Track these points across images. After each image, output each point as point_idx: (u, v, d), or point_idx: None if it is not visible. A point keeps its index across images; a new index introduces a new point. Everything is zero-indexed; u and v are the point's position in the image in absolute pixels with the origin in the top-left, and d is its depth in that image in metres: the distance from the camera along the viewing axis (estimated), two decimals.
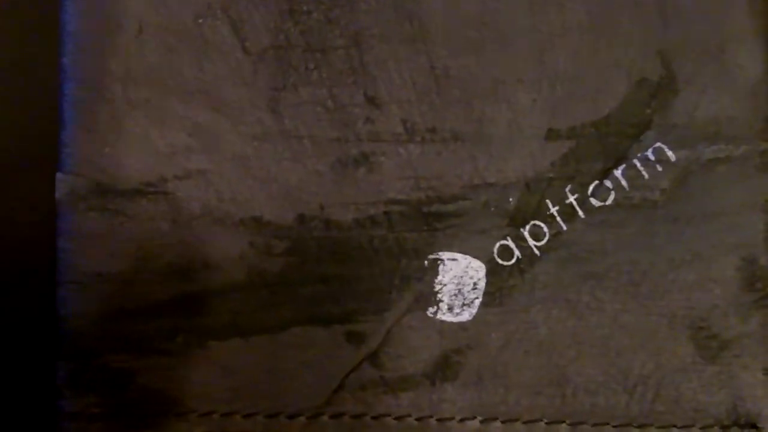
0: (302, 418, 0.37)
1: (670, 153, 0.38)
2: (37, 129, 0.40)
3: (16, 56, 0.43)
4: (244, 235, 0.38)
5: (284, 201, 0.38)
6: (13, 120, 0.42)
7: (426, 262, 0.38)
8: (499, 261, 0.38)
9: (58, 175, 0.38)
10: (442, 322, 0.38)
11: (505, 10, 0.39)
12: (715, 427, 0.37)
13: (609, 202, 0.38)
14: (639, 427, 0.37)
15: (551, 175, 0.38)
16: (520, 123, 0.38)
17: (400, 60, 0.39)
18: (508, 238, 0.38)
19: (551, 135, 0.38)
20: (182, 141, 0.38)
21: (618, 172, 0.38)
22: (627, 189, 0.38)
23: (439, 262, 0.38)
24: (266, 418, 0.38)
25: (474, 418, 0.37)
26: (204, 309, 0.38)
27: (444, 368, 0.38)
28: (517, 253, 0.38)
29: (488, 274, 0.38)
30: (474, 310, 0.38)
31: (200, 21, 0.39)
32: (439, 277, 0.38)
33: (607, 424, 0.37)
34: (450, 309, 0.38)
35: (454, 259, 0.38)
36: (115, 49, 0.39)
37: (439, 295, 0.38)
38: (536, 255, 0.38)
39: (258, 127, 0.39)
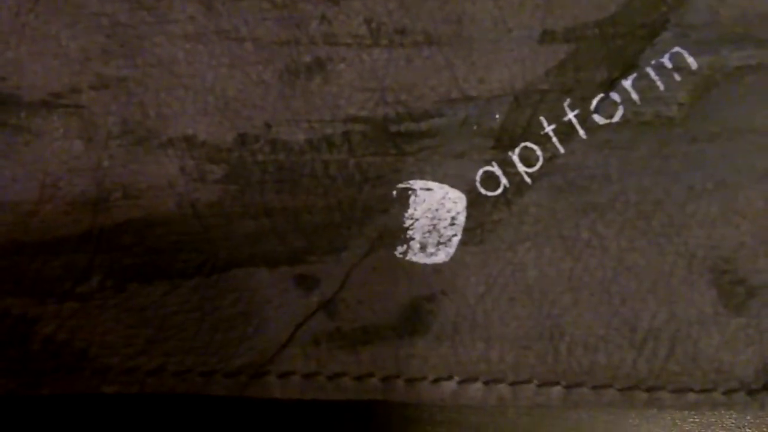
0: (243, 377, 0.31)
1: (690, 59, 0.31)
2: None
3: None
4: (173, 158, 0.32)
5: (222, 117, 0.32)
6: None
7: (393, 192, 0.31)
8: (482, 191, 0.31)
9: None
10: (412, 263, 0.31)
11: None
12: (741, 392, 0.31)
13: (616, 119, 0.31)
14: (647, 390, 0.31)
15: (545, 86, 0.31)
16: (507, 22, 0.31)
17: None
18: (493, 163, 0.31)
19: (545, 37, 0.31)
20: (98, 42, 0.32)
21: (627, 83, 0.31)
22: (638, 103, 0.31)
23: (409, 192, 0.31)
24: (200, 376, 0.31)
25: (450, 378, 0.31)
26: (123, 245, 0.31)
27: (413, 319, 0.31)
28: (503, 181, 0.31)
29: (469, 207, 0.31)
30: (451, 250, 0.31)
31: None
32: (410, 210, 0.31)
33: (610, 386, 0.31)
34: (422, 248, 0.31)
35: (427, 189, 0.31)
36: None
37: (410, 232, 0.31)
38: (527, 183, 0.31)
39: (189, 25, 0.32)
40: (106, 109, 0.32)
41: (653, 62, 0.31)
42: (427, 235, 0.31)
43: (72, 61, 0.32)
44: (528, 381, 0.31)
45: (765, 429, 0.33)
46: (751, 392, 0.31)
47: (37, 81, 0.32)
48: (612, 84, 0.31)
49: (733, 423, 0.33)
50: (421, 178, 0.31)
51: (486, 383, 0.31)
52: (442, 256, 0.31)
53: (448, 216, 0.31)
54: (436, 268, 0.31)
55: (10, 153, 0.31)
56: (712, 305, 0.31)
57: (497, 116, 0.31)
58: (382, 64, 0.31)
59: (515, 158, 0.31)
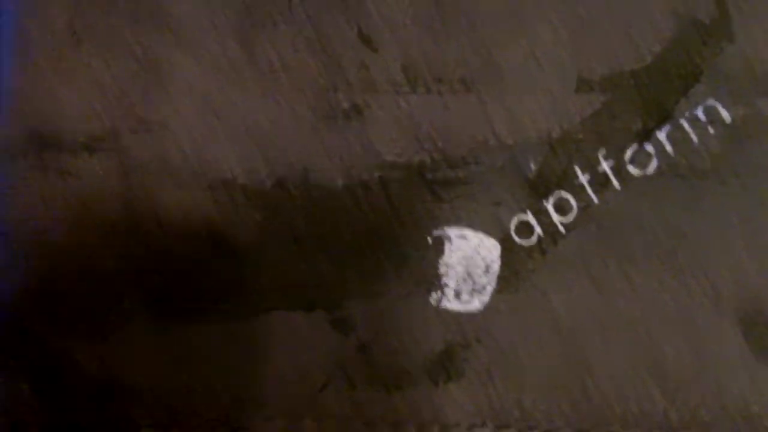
0: (280, 421, 0.32)
1: (724, 113, 0.31)
2: None
3: None
4: (212, 201, 0.32)
5: (260, 160, 0.32)
6: None
7: (429, 238, 0.32)
8: (517, 239, 0.32)
9: None
10: (447, 310, 0.32)
11: None
12: None
13: (650, 171, 0.31)
14: None
15: (581, 135, 0.32)
16: (543, 70, 0.32)
17: None
18: (528, 211, 0.32)
19: (582, 86, 0.32)
20: (135, 79, 0.32)
21: (661, 134, 0.31)
22: (672, 155, 0.31)
23: (444, 239, 0.32)
24: (236, 419, 0.32)
25: (484, 424, 0.31)
26: (161, 287, 0.32)
27: (448, 365, 0.31)
28: (538, 230, 0.32)
29: (503, 255, 0.32)
30: (485, 298, 0.31)
31: None
32: (445, 257, 0.32)
33: None
34: (457, 295, 0.31)
35: (462, 237, 0.32)
36: None
37: (444, 279, 0.32)
38: (561, 233, 0.32)
39: (231, 72, 0.32)
40: (143, 147, 0.32)
41: (687, 114, 0.31)
42: (461, 282, 0.32)
43: (112, 105, 0.32)
44: (561, 429, 0.31)
45: None
46: None
47: (78, 124, 0.32)
48: (646, 135, 0.31)
49: None
50: (457, 225, 0.32)
51: (519, 430, 0.31)
52: (476, 304, 0.31)
53: (483, 264, 0.32)
54: (471, 316, 0.31)
55: (51, 194, 0.32)
56: (739, 348, 0.31)
57: (533, 165, 0.32)
58: (420, 111, 0.32)
59: (550, 207, 0.32)
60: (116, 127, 0.32)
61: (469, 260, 0.32)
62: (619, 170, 0.31)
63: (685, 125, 0.31)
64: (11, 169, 0.32)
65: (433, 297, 0.32)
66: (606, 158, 0.32)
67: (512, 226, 0.32)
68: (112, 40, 0.32)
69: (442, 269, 0.32)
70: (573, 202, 0.32)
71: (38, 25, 0.32)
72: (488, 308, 0.31)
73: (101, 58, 0.32)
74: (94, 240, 0.31)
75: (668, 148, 0.31)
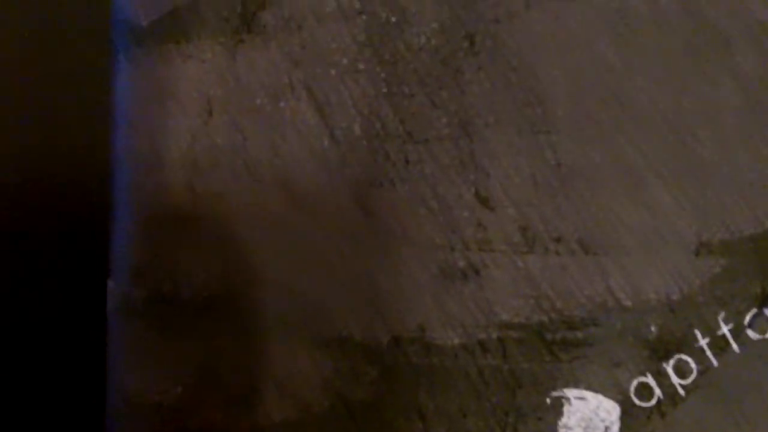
0: None
1: None
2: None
3: None
4: (328, 357, 0.32)
5: (376, 318, 0.32)
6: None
7: (548, 399, 0.32)
8: (637, 401, 0.32)
9: (110, 284, 0.32)
10: None
11: (645, 88, 0.32)
12: None
13: None
14: None
15: (701, 299, 0.32)
16: (663, 233, 0.32)
17: (519, 152, 0.32)
18: (648, 373, 0.32)
19: (701, 249, 0.32)
20: (256, 242, 0.32)
21: None
22: None
23: (563, 400, 0.32)
24: None
25: None
26: None
27: None
28: (657, 392, 0.32)
29: (622, 417, 0.32)
30: None
31: (282, 105, 0.32)
32: (564, 419, 0.32)
33: None
34: None
35: (581, 398, 0.32)
36: (179, 130, 0.32)
37: None
38: (680, 395, 0.31)
39: (346, 227, 0.32)
40: (261, 306, 0.32)
41: None
42: None
43: (230, 265, 0.32)
44: None
45: None
46: None
47: (198, 284, 0.32)
48: (765, 299, 0.31)
49: None
50: (575, 387, 0.32)
51: None
52: None
53: (602, 425, 0.31)
54: None
55: (169, 352, 0.32)
56: None
57: (653, 328, 0.32)
58: (537, 272, 0.32)
59: (669, 370, 0.31)
60: (234, 285, 0.32)
61: (588, 422, 0.31)
62: (739, 334, 0.31)
63: None
64: (128, 329, 0.32)
65: None
66: (726, 321, 0.31)
67: (632, 388, 0.32)
68: (235, 204, 0.32)
69: (562, 431, 0.31)
70: (693, 364, 0.31)
71: (156, 185, 0.32)
72: None
73: (224, 222, 0.32)
74: (214, 402, 0.32)
75: None
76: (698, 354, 0.32)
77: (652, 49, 0.32)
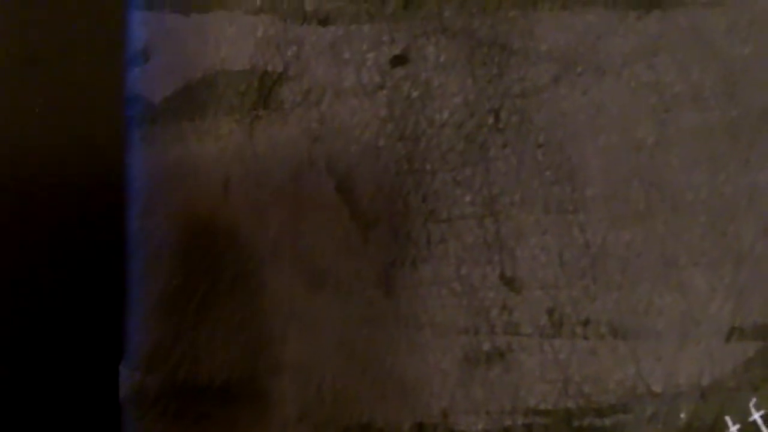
0: None
1: None
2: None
3: None
4: None
5: (399, 403, 0.31)
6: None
7: None
8: None
9: (122, 370, 0.31)
10: None
11: (681, 168, 0.31)
12: None
13: None
14: None
15: (732, 384, 0.31)
16: (695, 316, 0.31)
17: (546, 233, 0.31)
18: None
19: (734, 333, 0.31)
20: (277, 324, 0.31)
21: None
22: None
23: None
24: None
25: None
26: None
27: None
28: None
29: None
30: None
31: (301, 182, 0.31)
32: None
33: None
34: None
35: None
36: (196, 210, 0.31)
37: None
38: None
39: (368, 309, 0.31)
40: (283, 393, 0.31)
41: None
42: None
43: (250, 348, 0.31)
44: None
45: None
46: None
47: (215, 368, 0.31)
48: None
49: None
50: None
51: None
52: None
53: None
54: None
55: None
56: None
57: (683, 414, 0.31)
58: (565, 356, 0.31)
59: None
60: (253, 370, 0.31)
61: None
62: None
63: None
64: (143, 421, 0.31)
65: None
66: (757, 407, 0.31)
67: None
68: (262, 288, 0.31)
69: None
70: None
71: (172, 267, 0.32)
72: None
73: (244, 308, 0.31)
74: None
75: None
76: None
77: (688, 127, 0.31)
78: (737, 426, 0.31)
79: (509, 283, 0.31)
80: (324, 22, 0.31)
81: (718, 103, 0.31)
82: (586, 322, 0.31)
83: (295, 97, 0.31)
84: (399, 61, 0.31)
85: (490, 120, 0.31)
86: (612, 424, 0.31)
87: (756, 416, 0.31)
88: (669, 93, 0.31)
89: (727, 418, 0.31)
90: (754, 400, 0.31)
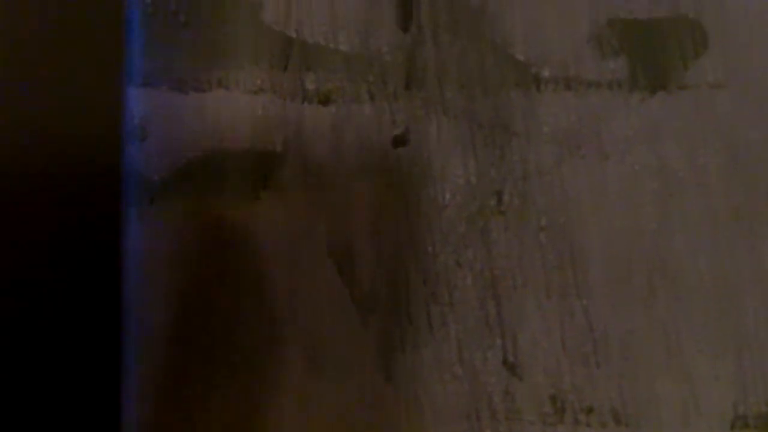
0: None
1: None
2: None
3: None
4: None
5: None
6: None
7: None
8: None
9: None
10: None
11: (685, 251, 0.31)
12: None
13: None
14: None
15: None
16: (699, 405, 0.30)
17: (548, 316, 0.31)
18: None
19: (737, 421, 0.30)
20: (275, 402, 0.31)
21: None
22: None
23: None
24: None
25: None
26: None
27: None
28: None
29: None
30: None
31: (301, 263, 0.31)
32: None
33: None
34: None
35: None
36: (194, 293, 0.31)
37: None
38: None
39: (368, 393, 0.31)
40: None
41: None
42: None
43: (247, 428, 0.31)
44: None
45: None
46: None
47: None
48: None
49: None
50: None
51: None
52: None
53: None
54: None
55: None
56: None
57: None
58: None
59: None
60: None
61: None
62: None
63: None
64: None
65: None
66: None
67: None
68: (249, 368, 0.30)
69: None
70: None
71: (171, 351, 0.31)
72: None
73: (238, 379, 0.31)
74: None
75: None
76: None
77: (693, 210, 0.30)
78: None
79: (511, 368, 0.31)
80: (325, 101, 0.31)
81: (723, 188, 0.30)
82: (589, 410, 0.30)
83: (295, 179, 0.31)
84: (400, 141, 0.31)
85: (493, 202, 0.31)
86: None
87: None
88: (673, 177, 0.31)
89: None
90: None
